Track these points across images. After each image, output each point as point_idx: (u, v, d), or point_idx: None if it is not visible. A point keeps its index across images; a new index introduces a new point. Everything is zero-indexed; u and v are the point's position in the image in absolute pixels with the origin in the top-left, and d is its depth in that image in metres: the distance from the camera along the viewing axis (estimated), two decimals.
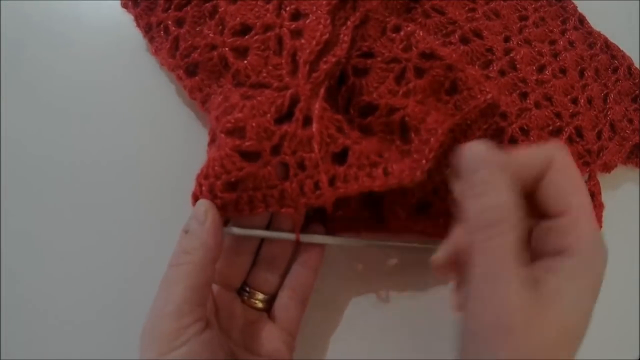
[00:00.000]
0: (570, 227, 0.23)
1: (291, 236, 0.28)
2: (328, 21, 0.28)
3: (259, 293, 0.29)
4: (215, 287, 0.27)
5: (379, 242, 0.30)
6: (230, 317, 0.27)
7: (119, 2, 0.34)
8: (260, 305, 0.29)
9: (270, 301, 0.29)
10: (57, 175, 0.32)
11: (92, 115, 0.33)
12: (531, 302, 0.21)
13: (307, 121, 0.26)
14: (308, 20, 0.28)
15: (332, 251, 0.31)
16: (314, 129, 0.26)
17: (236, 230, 0.27)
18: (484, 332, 0.21)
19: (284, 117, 0.26)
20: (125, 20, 0.34)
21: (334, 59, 0.28)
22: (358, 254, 0.31)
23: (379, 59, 0.30)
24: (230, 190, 0.25)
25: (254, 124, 0.25)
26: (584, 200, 0.23)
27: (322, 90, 0.27)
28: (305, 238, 0.28)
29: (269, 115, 0.26)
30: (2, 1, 0.35)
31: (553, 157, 0.24)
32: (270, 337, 0.28)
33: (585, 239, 0.22)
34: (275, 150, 0.26)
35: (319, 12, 0.28)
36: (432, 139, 0.27)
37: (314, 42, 0.28)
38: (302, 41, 0.28)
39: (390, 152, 0.28)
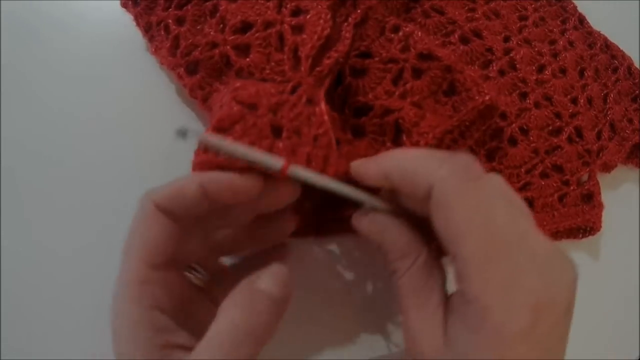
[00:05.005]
0: (465, 278, 0.20)
1: (277, 164, 0.23)
2: (329, 16, 0.28)
3: (203, 273, 0.27)
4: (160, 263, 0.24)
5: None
6: (171, 294, 0.25)
7: (119, 1, 0.34)
8: (201, 284, 0.27)
9: (213, 282, 0.27)
10: (57, 175, 0.32)
11: (91, 115, 0.33)
12: (445, 351, 0.21)
13: (309, 103, 0.26)
14: (309, 16, 0.28)
15: (328, 251, 0.31)
16: (322, 107, 0.25)
17: (211, 139, 0.23)
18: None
19: None
20: (125, 20, 0.34)
21: (336, 54, 0.28)
22: (348, 255, 0.31)
23: (376, 59, 0.30)
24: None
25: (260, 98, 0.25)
26: (475, 245, 0.20)
27: (326, 82, 0.27)
28: (294, 171, 0.23)
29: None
30: (2, 1, 0.35)
31: (431, 187, 0.21)
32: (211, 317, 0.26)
33: (485, 300, 0.20)
34: (274, 109, 0.24)
35: (319, 7, 0.28)
36: (421, 142, 0.27)
37: (315, 37, 0.27)
38: (304, 36, 0.28)
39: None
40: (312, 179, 0.23)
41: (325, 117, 0.25)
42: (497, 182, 0.22)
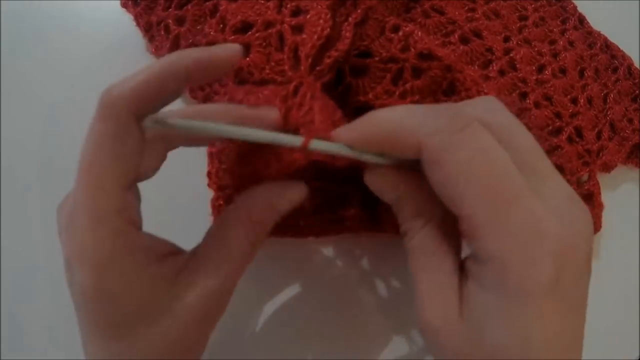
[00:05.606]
0: (475, 238, 0.18)
1: (295, 141, 0.22)
2: (328, 16, 0.28)
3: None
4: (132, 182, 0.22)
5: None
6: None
7: (119, 1, 0.34)
8: None
9: None
10: (57, 175, 0.32)
11: (91, 115, 0.33)
12: (459, 322, 0.19)
13: (313, 99, 0.25)
14: (309, 16, 0.28)
15: (328, 251, 0.31)
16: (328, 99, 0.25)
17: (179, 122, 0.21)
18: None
19: None
20: (125, 20, 0.34)
21: (336, 54, 0.28)
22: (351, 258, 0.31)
23: (376, 58, 0.30)
24: None
25: None
26: (478, 201, 0.18)
27: (324, 78, 0.27)
28: (315, 144, 0.22)
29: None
30: (2, 1, 0.35)
31: (419, 146, 0.19)
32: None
33: (500, 254, 0.17)
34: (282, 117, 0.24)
35: (319, 7, 0.28)
36: None
37: (315, 37, 0.27)
38: (304, 36, 0.28)
39: None
40: (332, 149, 0.22)
41: (333, 104, 0.25)
42: (490, 122, 0.19)
